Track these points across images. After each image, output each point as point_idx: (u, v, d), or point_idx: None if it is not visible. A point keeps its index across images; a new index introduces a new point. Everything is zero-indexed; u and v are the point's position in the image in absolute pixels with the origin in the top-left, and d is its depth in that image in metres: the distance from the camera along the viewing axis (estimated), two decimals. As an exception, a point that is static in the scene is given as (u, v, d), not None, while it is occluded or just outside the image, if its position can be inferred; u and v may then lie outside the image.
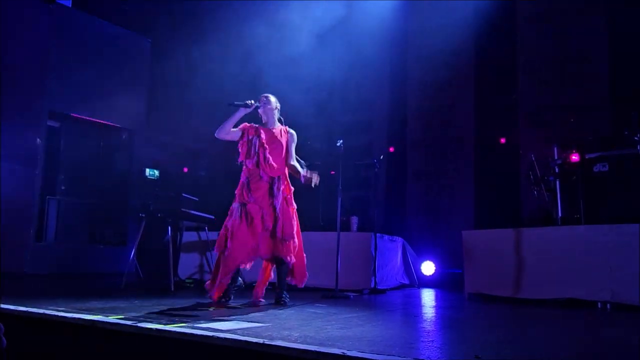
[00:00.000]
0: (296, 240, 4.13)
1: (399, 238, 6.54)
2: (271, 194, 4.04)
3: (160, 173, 7.87)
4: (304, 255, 4.25)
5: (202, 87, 7.52)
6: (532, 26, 7.12)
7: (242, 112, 4.11)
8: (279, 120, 4.35)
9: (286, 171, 4.22)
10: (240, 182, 4.11)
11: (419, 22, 8.06)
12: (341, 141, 5.14)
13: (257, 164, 4.07)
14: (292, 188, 4.24)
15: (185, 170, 9.09)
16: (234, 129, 4.16)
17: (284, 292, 4.11)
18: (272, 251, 3.99)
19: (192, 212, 5.83)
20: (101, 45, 7.43)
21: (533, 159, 5.60)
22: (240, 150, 4.15)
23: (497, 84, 7.22)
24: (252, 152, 4.09)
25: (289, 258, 4.03)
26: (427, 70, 7.91)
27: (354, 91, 8.62)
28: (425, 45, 7.90)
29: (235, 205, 4.07)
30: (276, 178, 4.09)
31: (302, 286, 4.23)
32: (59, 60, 6.90)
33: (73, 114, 7.10)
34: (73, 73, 7.04)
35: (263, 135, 4.15)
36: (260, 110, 4.20)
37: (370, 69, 8.42)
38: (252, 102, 4.15)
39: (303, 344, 2.23)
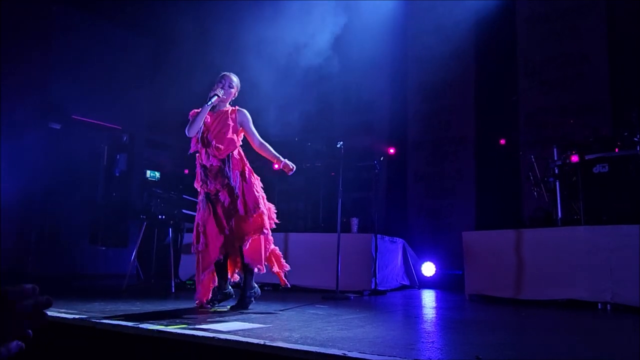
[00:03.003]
0: (264, 210, 3.82)
1: (400, 239, 6.55)
2: (224, 174, 3.82)
3: (161, 174, 7.87)
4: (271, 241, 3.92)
5: (204, 88, 7.52)
6: (532, 27, 7.12)
7: (209, 106, 3.88)
8: (231, 102, 4.10)
9: (236, 150, 3.91)
10: (197, 173, 3.93)
11: (418, 23, 8.07)
12: (341, 142, 5.15)
13: (206, 151, 3.86)
14: (247, 162, 3.95)
15: (186, 171, 9.09)
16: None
17: (249, 290, 3.79)
18: (239, 236, 3.75)
19: (193, 213, 5.84)
20: (103, 47, 7.45)
21: (533, 160, 5.61)
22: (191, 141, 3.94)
23: (497, 85, 7.22)
24: (200, 139, 3.88)
25: (254, 235, 3.75)
26: (427, 72, 7.91)
27: (355, 93, 8.63)
28: (425, 46, 7.90)
29: (200, 197, 3.93)
30: (225, 159, 3.84)
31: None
32: (60, 62, 6.92)
33: (74, 116, 7.11)
34: (75, 75, 7.06)
35: (208, 119, 3.93)
36: (222, 95, 3.94)
37: (370, 70, 8.43)
38: (219, 92, 3.93)
39: (304, 345, 2.23)
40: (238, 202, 3.79)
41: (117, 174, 7.83)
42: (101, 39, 7.47)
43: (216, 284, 3.95)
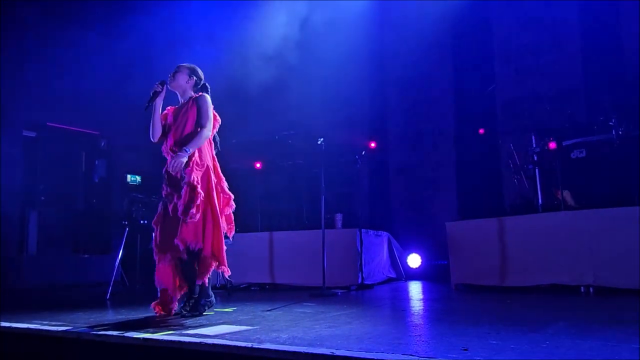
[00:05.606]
0: (199, 222, 3.44)
1: (384, 232, 6.58)
2: (184, 173, 3.51)
3: (141, 178, 7.79)
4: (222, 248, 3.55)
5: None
6: (507, 16, 7.19)
7: (158, 101, 3.62)
8: (197, 91, 3.77)
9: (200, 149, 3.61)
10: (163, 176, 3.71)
11: (395, 16, 8.08)
12: (322, 139, 5.15)
13: (168, 150, 3.66)
14: (202, 166, 3.60)
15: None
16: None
17: (202, 298, 3.51)
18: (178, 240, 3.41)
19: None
20: (76, 52, 7.32)
21: (512, 148, 5.68)
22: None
23: (474, 76, 7.28)
24: (165, 141, 3.69)
25: (191, 244, 3.40)
26: (404, 64, 7.92)
27: (333, 88, 8.61)
28: (401, 39, 7.91)
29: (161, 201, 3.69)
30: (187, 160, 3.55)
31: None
32: (33, 69, 6.79)
33: (49, 123, 6.99)
34: (48, 82, 6.93)
35: (169, 117, 3.71)
36: (170, 87, 3.69)
37: (348, 65, 8.41)
38: (158, 84, 3.65)
39: (292, 345, 2.23)
40: (188, 207, 3.41)
41: (97, 180, 7.72)
42: (74, 44, 7.33)
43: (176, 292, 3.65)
